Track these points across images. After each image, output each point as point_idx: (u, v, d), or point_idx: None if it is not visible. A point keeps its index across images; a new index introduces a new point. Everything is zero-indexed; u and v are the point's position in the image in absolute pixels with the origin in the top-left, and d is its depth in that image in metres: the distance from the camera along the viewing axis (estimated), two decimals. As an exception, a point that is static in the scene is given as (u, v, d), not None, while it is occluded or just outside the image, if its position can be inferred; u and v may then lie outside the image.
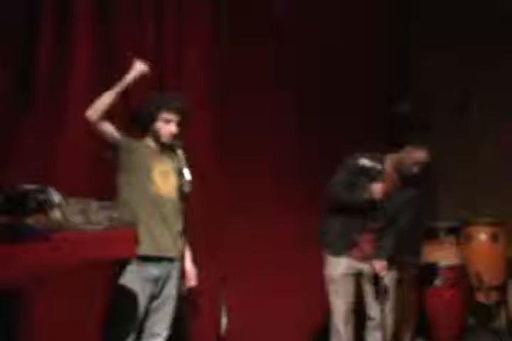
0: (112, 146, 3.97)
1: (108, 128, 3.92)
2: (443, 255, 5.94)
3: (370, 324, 4.73)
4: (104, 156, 4.08)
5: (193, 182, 3.98)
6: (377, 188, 4.55)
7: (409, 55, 6.70)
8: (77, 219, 3.71)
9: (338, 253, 4.67)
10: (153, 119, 4.03)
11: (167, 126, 4.05)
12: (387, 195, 4.59)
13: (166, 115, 4.03)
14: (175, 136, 4.06)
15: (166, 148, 4.11)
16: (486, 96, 6.42)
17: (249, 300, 5.34)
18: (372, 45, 6.33)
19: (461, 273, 5.87)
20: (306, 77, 5.82)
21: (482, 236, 6.01)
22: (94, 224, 3.57)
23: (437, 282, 5.80)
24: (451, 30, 6.52)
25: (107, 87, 4.27)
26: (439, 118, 6.66)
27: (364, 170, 4.66)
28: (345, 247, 4.66)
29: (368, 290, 4.71)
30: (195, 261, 4.32)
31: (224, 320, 5.28)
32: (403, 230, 4.77)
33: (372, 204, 4.58)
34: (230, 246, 5.33)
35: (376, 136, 5.81)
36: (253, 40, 5.56)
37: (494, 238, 5.98)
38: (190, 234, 4.25)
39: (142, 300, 3.95)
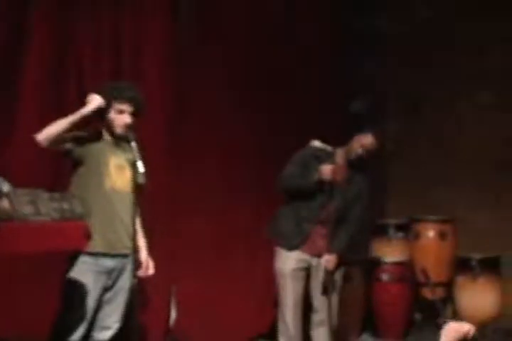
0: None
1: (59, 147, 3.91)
2: (391, 251, 6.02)
3: (315, 318, 4.75)
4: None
5: (146, 174, 3.98)
6: (326, 169, 4.56)
7: (364, 53, 6.75)
8: (26, 209, 3.68)
9: (289, 246, 4.68)
10: (106, 110, 4.00)
11: (121, 117, 4.02)
12: (338, 184, 4.62)
13: (119, 105, 4.00)
14: (129, 127, 4.03)
15: (121, 140, 4.08)
16: (440, 96, 6.49)
17: (199, 294, 5.36)
18: (328, 43, 6.37)
19: (408, 269, 5.94)
20: (262, 75, 5.83)
21: (430, 233, 6.08)
22: (44, 215, 3.54)
23: (384, 278, 5.87)
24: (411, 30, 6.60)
25: (61, 83, 4.29)
26: (391, 119, 6.73)
27: (315, 152, 4.70)
28: (297, 240, 4.68)
29: (315, 283, 4.73)
30: (150, 253, 4.32)
31: (173, 313, 5.29)
32: (357, 226, 4.80)
33: (322, 187, 4.58)
34: (182, 240, 5.34)
35: (332, 133, 5.85)
36: (211, 38, 5.58)
37: (442, 235, 6.06)
38: (143, 226, 4.26)
39: (94, 292, 3.94)
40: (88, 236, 3.76)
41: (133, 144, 3.98)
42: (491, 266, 5.75)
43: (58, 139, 3.85)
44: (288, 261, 4.68)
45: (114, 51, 4.99)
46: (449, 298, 6.00)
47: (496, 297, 5.69)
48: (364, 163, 4.74)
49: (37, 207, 3.79)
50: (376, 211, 6.51)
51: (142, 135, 4.17)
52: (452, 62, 6.38)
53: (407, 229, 6.14)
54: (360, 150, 4.67)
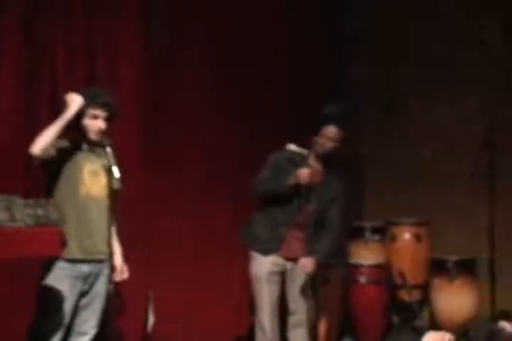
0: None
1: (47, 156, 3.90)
2: (367, 254, 6.04)
3: (291, 320, 4.76)
4: None
5: (122, 179, 3.98)
6: (303, 173, 4.57)
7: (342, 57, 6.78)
8: (0, 215, 3.66)
9: (265, 251, 4.68)
10: (80, 115, 4.00)
11: (95, 122, 4.02)
12: (314, 187, 4.63)
13: (93, 110, 4.01)
14: (103, 133, 4.04)
15: (95, 146, 4.08)
16: (416, 98, 6.53)
17: (176, 299, 5.36)
18: (308, 44, 6.39)
19: (384, 271, 5.97)
20: (239, 78, 5.85)
21: (406, 236, 6.13)
22: (18, 221, 3.53)
23: (361, 280, 5.89)
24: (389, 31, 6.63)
25: (34, 90, 4.28)
26: (366, 121, 6.76)
27: (290, 156, 4.72)
28: (272, 245, 4.67)
29: (292, 286, 4.73)
30: (126, 259, 4.32)
31: (151, 319, 5.28)
32: (338, 230, 4.81)
33: (298, 190, 4.59)
34: (159, 244, 5.34)
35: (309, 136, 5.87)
36: (185, 40, 5.59)
37: (418, 238, 6.10)
38: (119, 231, 4.25)
39: (71, 298, 3.94)
40: (63, 242, 3.75)
41: (108, 149, 3.98)
42: (467, 268, 5.78)
43: (48, 148, 3.85)
44: (263, 266, 4.67)
45: (87, 57, 4.99)
46: (425, 300, 6.03)
47: (472, 299, 5.72)
48: (336, 161, 4.75)
49: (12, 213, 3.77)
50: (352, 214, 6.54)
51: (117, 140, 4.17)
52: (429, 62, 6.40)
53: (384, 232, 6.17)
54: (327, 144, 4.68)
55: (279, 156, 4.76)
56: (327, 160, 4.74)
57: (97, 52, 5.06)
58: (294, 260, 4.69)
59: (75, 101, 3.95)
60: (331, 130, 4.68)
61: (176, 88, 5.50)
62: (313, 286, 4.77)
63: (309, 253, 4.65)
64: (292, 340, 4.75)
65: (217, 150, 5.68)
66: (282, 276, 4.72)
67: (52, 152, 3.89)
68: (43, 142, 3.83)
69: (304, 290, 4.68)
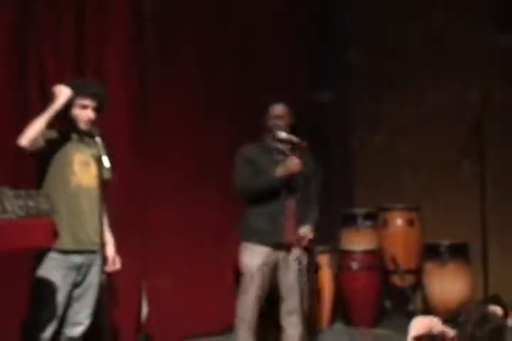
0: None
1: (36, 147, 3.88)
2: (360, 240, 6.06)
3: (284, 307, 4.75)
4: None
5: (112, 169, 3.97)
6: (294, 163, 4.56)
7: (334, 45, 6.77)
8: (-9, 207, 3.65)
9: (265, 242, 4.63)
10: (69, 106, 3.99)
11: (84, 112, 4.01)
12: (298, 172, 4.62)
13: (82, 101, 4.00)
14: (92, 123, 4.03)
15: (85, 136, 4.07)
16: (405, 81, 6.53)
17: (169, 288, 5.37)
18: (294, 33, 6.38)
19: (377, 257, 6.00)
20: (229, 72, 5.85)
21: (398, 221, 6.14)
22: (9, 213, 3.51)
23: (354, 266, 5.92)
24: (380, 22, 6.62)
25: (23, 84, 4.27)
26: (357, 107, 6.77)
27: (263, 146, 4.69)
28: (273, 236, 4.62)
29: (284, 274, 4.71)
30: (119, 250, 4.31)
31: (144, 309, 5.29)
32: (317, 205, 4.81)
33: (289, 180, 4.58)
34: (151, 234, 5.34)
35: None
36: (175, 36, 5.59)
37: (410, 223, 6.12)
38: (111, 222, 4.24)
39: (64, 288, 3.94)
40: (55, 233, 3.74)
41: (97, 139, 3.98)
42: (459, 252, 5.81)
43: (37, 139, 3.83)
44: (256, 256, 4.63)
45: (76, 47, 4.98)
46: (418, 285, 6.06)
47: (464, 283, 5.75)
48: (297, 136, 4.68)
49: (2, 204, 3.76)
50: (344, 201, 6.56)
51: (107, 130, 4.17)
52: (421, 50, 6.41)
53: (375, 218, 6.18)
54: (277, 122, 4.67)
55: (251, 149, 4.72)
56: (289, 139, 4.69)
57: (86, 43, 5.04)
58: (287, 249, 4.69)
59: (63, 92, 3.94)
60: (277, 108, 4.71)
61: (166, 77, 5.49)
62: (308, 272, 4.77)
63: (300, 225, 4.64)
64: (286, 327, 4.75)
65: (208, 140, 5.67)
66: (274, 266, 4.70)
67: (42, 143, 3.88)
68: (31, 133, 3.82)
69: (299, 276, 4.66)
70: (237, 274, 4.96)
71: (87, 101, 4.01)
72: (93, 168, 4.03)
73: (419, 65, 6.39)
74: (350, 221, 6.18)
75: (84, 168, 4.03)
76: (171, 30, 5.55)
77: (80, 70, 4.96)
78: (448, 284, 5.72)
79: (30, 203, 3.80)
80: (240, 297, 4.68)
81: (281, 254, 4.67)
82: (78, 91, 3.98)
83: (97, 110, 4.05)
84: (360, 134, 6.74)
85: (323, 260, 5.85)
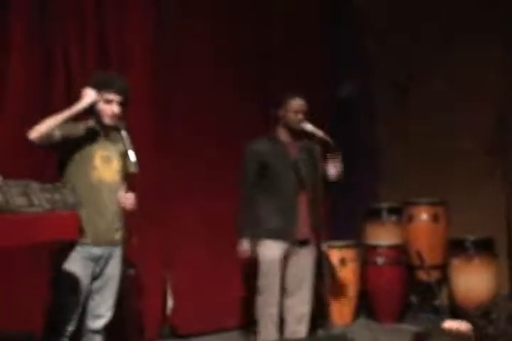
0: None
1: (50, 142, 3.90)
2: (385, 235, 6.03)
3: (287, 302, 4.72)
4: None
5: (138, 163, 3.99)
6: (333, 166, 4.58)
7: (353, 34, 6.71)
8: (18, 201, 3.67)
9: (277, 237, 4.62)
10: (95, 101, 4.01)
11: (109, 107, 4.03)
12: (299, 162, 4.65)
13: (107, 95, 4.02)
14: (118, 117, 4.05)
15: (110, 131, 4.08)
16: (431, 79, 6.46)
17: (192, 280, 5.38)
18: (315, 24, 6.34)
19: (402, 252, 5.97)
20: (252, 63, 5.84)
21: (423, 216, 6.09)
22: (36, 207, 3.53)
23: (379, 261, 5.89)
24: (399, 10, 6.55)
25: (47, 82, 4.28)
26: (381, 103, 6.72)
27: (274, 142, 4.68)
28: (285, 230, 4.62)
29: (294, 269, 4.68)
30: (141, 242, 4.33)
31: (169, 300, 5.32)
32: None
33: (298, 177, 4.61)
34: (174, 226, 5.36)
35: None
36: (196, 17, 5.58)
37: (435, 218, 6.07)
38: (135, 215, 4.25)
39: (85, 280, 3.96)
40: (80, 226, 3.76)
41: (123, 133, 4.00)
42: (485, 247, 5.76)
43: (49, 134, 3.85)
44: (274, 253, 4.61)
45: (99, 45, 5.04)
46: (444, 280, 6.01)
47: (491, 278, 5.70)
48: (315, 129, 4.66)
49: (29, 198, 3.78)
50: (369, 195, 6.53)
51: (131, 124, 4.18)
52: (442, 40, 6.33)
53: (400, 213, 6.14)
54: (299, 116, 4.64)
55: (261, 144, 4.69)
56: (298, 132, 4.69)
57: (108, 40, 5.09)
58: (304, 242, 4.68)
59: (88, 95, 3.98)
60: (297, 102, 4.66)
61: (187, 67, 5.50)
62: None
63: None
64: (289, 322, 4.73)
65: (229, 131, 5.65)
66: (286, 260, 4.68)
67: (57, 138, 3.88)
68: (43, 128, 3.84)
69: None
70: (247, 273, 4.95)
71: (112, 96, 4.03)
72: (115, 163, 4.06)
73: (441, 53, 6.31)
74: (375, 215, 6.15)
75: (106, 163, 4.05)
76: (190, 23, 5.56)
77: (102, 60, 5.00)
78: (474, 279, 5.67)
79: (57, 196, 3.82)
80: (261, 295, 4.66)
81: (294, 249, 4.66)
82: (103, 86, 4.00)
83: (122, 104, 4.06)
84: (385, 128, 6.69)
85: (348, 255, 5.83)
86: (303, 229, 4.66)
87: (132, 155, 3.96)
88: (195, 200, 5.44)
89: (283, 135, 4.71)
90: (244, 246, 4.61)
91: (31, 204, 3.59)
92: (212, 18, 5.69)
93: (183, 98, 5.49)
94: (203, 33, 5.63)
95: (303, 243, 4.68)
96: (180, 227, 5.38)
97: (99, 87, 4.00)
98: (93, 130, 4.07)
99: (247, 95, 5.77)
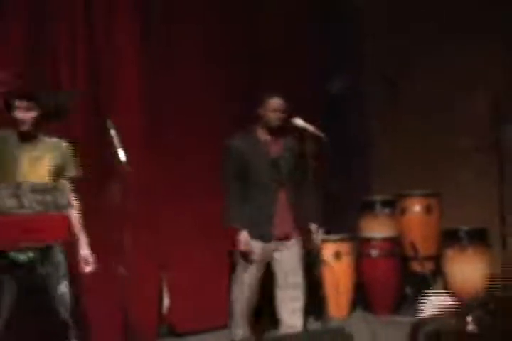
0: None
1: None
2: (378, 227, 6.05)
3: (284, 294, 4.75)
4: None
5: (128, 162, 3.99)
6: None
7: (345, 31, 6.72)
8: (9, 202, 3.67)
9: (252, 234, 4.67)
10: (10, 107, 4.06)
11: (19, 113, 4.05)
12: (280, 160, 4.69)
13: (17, 102, 4.05)
14: (31, 123, 4.04)
15: (30, 136, 4.09)
16: (423, 72, 6.47)
17: (187, 280, 5.39)
18: (306, 22, 6.34)
19: (396, 244, 5.98)
20: (242, 60, 5.83)
21: (416, 208, 6.11)
22: (27, 208, 3.54)
23: (373, 254, 5.91)
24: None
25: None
26: (373, 96, 6.73)
27: (253, 139, 4.72)
28: (264, 229, 4.67)
29: (280, 263, 4.73)
30: (136, 243, 4.32)
31: (166, 301, 5.32)
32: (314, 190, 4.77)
33: (277, 173, 4.66)
34: (170, 228, 5.36)
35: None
36: (185, 19, 5.57)
37: (428, 209, 6.09)
38: (128, 216, 4.24)
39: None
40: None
41: (112, 132, 4.00)
42: (478, 237, 5.78)
43: None
44: (254, 251, 4.68)
45: (88, 48, 5.06)
46: (438, 271, 6.03)
47: (485, 268, 5.72)
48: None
49: (20, 199, 3.78)
50: (362, 188, 6.54)
51: (123, 126, 4.20)
52: (436, 34, 6.34)
53: (394, 205, 6.16)
54: (276, 116, 4.69)
55: (239, 142, 4.72)
56: (277, 130, 4.74)
57: (97, 42, 5.10)
58: (285, 239, 4.72)
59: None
60: (277, 101, 4.71)
61: (176, 69, 5.50)
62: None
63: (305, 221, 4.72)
64: (285, 317, 4.76)
65: (221, 131, 5.64)
66: (268, 257, 4.73)
67: None
68: None
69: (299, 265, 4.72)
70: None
71: (17, 102, 4.04)
72: (44, 165, 4.05)
73: (435, 47, 6.32)
74: (368, 208, 6.17)
75: (33, 167, 4.03)
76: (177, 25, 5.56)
77: (90, 58, 5.02)
78: (468, 269, 5.69)
79: (48, 198, 3.82)
80: (233, 290, 4.75)
81: (274, 245, 4.70)
82: (13, 93, 4.07)
83: (31, 109, 4.05)
84: (377, 122, 6.71)
85: (343, 248, 5.84)
86: (283, 226, 4.70)
87: (122, 155, 3.96)
88: (189, 200, 5.44)
89: (262, 133, 4.76)
90: (244, 236, 4.64)
91: (21, 206, 3.60)
92: (202, 18, 5.67)
93: (174, 99, 5.48)
94: (193, 34, 5.61)
95: (284, 239, 4.72)
96: (175, 227, 5.38)
97: (10, 95, 4.08)
98: (11, 136, 4.08)
99: (238, 95, 5.77)
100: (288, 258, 4.73)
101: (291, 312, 4.74)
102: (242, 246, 4.64)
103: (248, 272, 4.70)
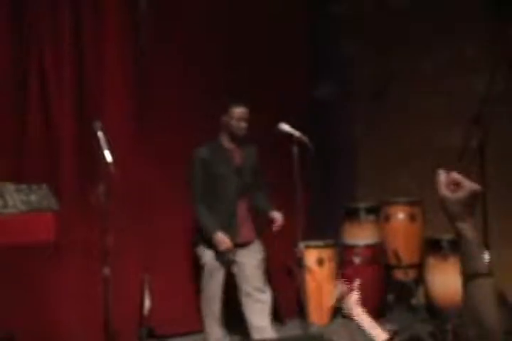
0: None
1: None
2: (362, 234, 6.05)
3: (246, 288, 4.84)
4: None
5: (114, 163, 4.00)
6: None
7: (332, 38, 6.73)
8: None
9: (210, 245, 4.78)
10: None
11: None
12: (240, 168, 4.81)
13: None
14: None
15: None
16: (406, 78, 6.49)
17: (171, 282, 5.38)
18: (293, 25, 6.33)
19: (379, 251, 6.00)
20: (226, 63, 5.83)
21: (400, 215, 6.13)
22: (11, 208, 3.53)
23: (356, 260, 5.92)
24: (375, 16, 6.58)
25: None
26: (356, 103, 6.75)
27: (217, 147, 4.81)
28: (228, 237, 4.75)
29: (242, 266, 4.83)
30: (119, 245, 4.32)
31: (147, 303, 5.31)
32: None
33: (238, 182, 4.78)
34: (154, 230, 5.36)
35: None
36: (172, 23, 5.58)
37: (412, 217, 6.11)
38: (112, 218, 4.25)
39: None
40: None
41: (99, 134, 4.01)
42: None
43: None
44: (208, 256, 4.81)
45: (74, 44, 5.04)
46: (420, 279, 6.05)
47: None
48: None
49: (4, 199, 3.77)
50: (346, 195, 6.55)
51: (110, 126, 4.20)
52: (424, 43, 6.36)
53: (378, 212, 6.17)
54: (241, 124, 4.78)
55: (205, 151, 4.81)
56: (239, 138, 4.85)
57: (85, 44, 5.11)
58: (246, 244, 4.85)
59: None
60: (241, 109, 4.80)
61: (165, 71, 5.50)
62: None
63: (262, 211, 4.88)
64: (252, 317, 4.83)
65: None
66: (231, 263, 4.85)
67: None
68: None
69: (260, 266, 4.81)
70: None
71: None
72: None
73: (421, 58, 6.34)
74: (352, 215, 6.17)
75: None
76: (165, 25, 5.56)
77: (78, 64, 5.02)
78: (450, 278, 5.69)
79: (32, 198, 3.81)
80: (202, 293, 4.89)
81: (236, 251, 4.82)
82: None
83: None
84: (361, 129, 6.72)
85: (326, 254, 5.85)
86: (243, 233, 4.83)
87: (108, 156, 3.96)
88: (175, 202, 5.44)
89: (226, 141, 4.85)
90: (221, 237, 4.70)
91: (5, 206, 3.59)
92: (187, 20, 5.67)
93: (163, 102, 5.49)
94: (184, 35, 5.62)
95: (246, 244, 4.85)
96: (159, 230, 5.38)
97: None
98: None
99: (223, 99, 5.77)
100: (247, 266, 4.84)
101: (255, 314, 4.82)
102: (222, 246, 4.70)
103: (213, 279, 4.81)
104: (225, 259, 4.80)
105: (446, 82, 6.18)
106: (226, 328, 4.99)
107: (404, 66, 6.41)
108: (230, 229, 4.76)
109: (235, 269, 4.87)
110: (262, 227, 4.93)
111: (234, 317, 5.00)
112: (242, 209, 4.84)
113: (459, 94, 6.12)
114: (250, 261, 4.85)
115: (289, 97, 6.05)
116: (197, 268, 5.44)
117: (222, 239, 4.70)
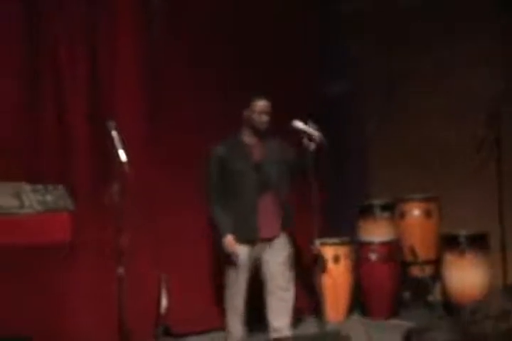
0: None
1: None
2: (378, 231, 6.03)
3: (270, 286, 4.79)
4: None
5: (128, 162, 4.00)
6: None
7: (342, 33, 6.71)
8: (9, 202, 3.66)
9: (242, 240, 4.70)
10: None
11: None
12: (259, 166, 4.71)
13: None
14: None
15: None
16: (417, 75, 6.46)
17: (188, 281, 5.38)
18: (302, 24, 6.31)
19: (395, 248, 5.98)
20: (235, 62, 5.81)
21: (416, 212, 6.10)
22: (27, 208, 3.53)
23: (372, 258, 5.90)
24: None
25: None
26: (368, 100, 6.72)
27: (236, 144, 4.74)
28: (249, 234, 4.70)
29: (267, 264, 4.77)
30: (135, 244, 4.32)
31: (164, 302, 5.31)
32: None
33: (259, 178, 4.68)
34: (170, 229, 5.36)
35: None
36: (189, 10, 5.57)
37: (427, 213, 6.08)
38: (128, 217, 4.24)
39: None
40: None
41: (113, 133, 4.00)
42: (478, 242, 5.75)
43: None
44: (240, 256, 4.71)
45: (87, 43, 5.05)
46: (437, 275, 6.02)
47: (484, 272, 5.70)
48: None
49: (20, 199, 3.77)
50: (361, 192, 6.53)
51: (123, 126, 4.19)
52: (429, 39, 6.33)
53: (393, 209, 6.15)
54: (262, 118, 4.70)
55: (223, 149, 4.74)
56: (261, 132, 4.76)
57: (98, 42, 5.12)
58: (270, 240, 4.76)
59: None
60: (264, 103, 4.72)
61: (178, 72, 5.50)
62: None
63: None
64: (272, 316, 4.78)
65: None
66: (256, 260, 4.78)
67: None
68: None
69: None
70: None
71: None
72: None
73: (431, 53, 6.31)
74: (367, 212, 6.14)
75: None
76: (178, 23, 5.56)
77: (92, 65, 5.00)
78: (467, 274, 5.68)
79: (48, 198, 3.81)
80: (227, 289, 4.78)
81: (261, 248, 4.73)
82: None
83: None
84: (376, 125, 6.69)
85: (342, 252, 5.84)
86: (267, 228, 4.72)
87: (122, 155, 3.96)
88: (189, 202, 5.43)
89: (247, 136, 4.77)
90: (229, 240, 4.65)
91: (22, 206, 3.59)
92: (202, 18, 5.67)
93: (177, 102, 5.49)
94: (195, 35, 5.62)
95: (270, 240, 4.75)
96: (173, 228, 5.38)
97: None
98: None
99: (234, 98, 5.76)
100: (274, 263, 4.77)
101: (277, 314, 4.77)
102: (228, 250, 4.66)
103: (238, 275, 4.72)
104: (253, 256, 4.74)
105: (460, 79, 6.14)
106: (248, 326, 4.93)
107: (418, 62, 6.38)
108: (248, 225, 4.68)
109: (261, 266, 4.79)
110: (288, 220, 4.83)
111: (255, 315, 4.96)
112: (264, 204, 4.70)
113: (475, 91, 6.07)
114: (275, 259, 4.77)
115: (301, 97, 6.02)
116: (212, 265, 5.46)
117: (230, 242, 4.66)
